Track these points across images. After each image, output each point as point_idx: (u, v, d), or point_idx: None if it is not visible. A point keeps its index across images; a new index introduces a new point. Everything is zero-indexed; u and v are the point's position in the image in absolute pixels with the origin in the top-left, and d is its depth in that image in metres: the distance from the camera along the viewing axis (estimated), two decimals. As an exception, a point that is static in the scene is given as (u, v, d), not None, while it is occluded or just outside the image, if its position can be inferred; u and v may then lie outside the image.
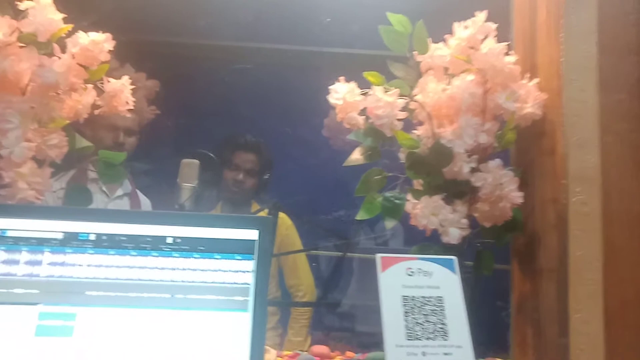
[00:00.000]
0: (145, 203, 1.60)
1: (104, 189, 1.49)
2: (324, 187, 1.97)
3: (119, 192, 1.54)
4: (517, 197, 1.05)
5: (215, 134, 1.93)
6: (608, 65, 1.06)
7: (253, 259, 0.82)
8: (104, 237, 0.80)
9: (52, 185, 1.02)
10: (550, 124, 1.10)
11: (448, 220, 1.02)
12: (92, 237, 0.79)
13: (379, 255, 0.83)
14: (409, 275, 0.83)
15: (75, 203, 1.02)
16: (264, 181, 1.91)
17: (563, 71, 1.05)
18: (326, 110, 1.48)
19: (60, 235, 0.79)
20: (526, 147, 1.16)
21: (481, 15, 1.09)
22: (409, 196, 1.10)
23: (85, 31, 1.02)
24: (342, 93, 1.04)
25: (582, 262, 1.01)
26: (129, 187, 1.59)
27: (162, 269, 0.79)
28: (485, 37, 1.08)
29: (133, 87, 1.11)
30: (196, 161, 1.33)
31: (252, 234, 0.83)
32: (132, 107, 1.10)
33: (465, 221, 1.03)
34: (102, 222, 0.80)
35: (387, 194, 1.09)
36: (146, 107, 1.24)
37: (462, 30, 1.10)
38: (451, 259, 0.86)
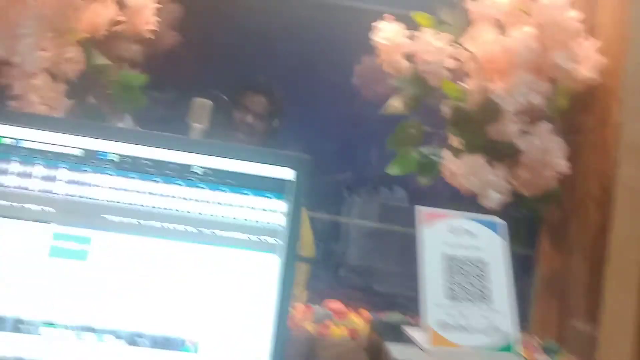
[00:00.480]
0: None
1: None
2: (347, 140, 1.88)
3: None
4: (564, 165, 0.98)
5: (234, 74, 1.82)
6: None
7: (286, 200, 0.75)
8: (126, 159, 0.72)
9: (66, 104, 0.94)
10: (605, 91, 1.02)
11: (489, 182, 0.95)
12: (114, 157, 0.71)
13: (419, 208, 0.76)
14: (452, 233, 0.76)
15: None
16: (272, 127, 1.82)
17: (630, 34, 0.97)
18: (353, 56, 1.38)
19: (78, 152, 0.71)
20: (576, 115, 1.08)
21: (548, -37, 0.99)
22: (446, 154, 1.03)
23: None
24: (388, 32, 0.95)
25: (624, 241, 0.95)
26: (131, 123, 1.50)
27: (187, 199, 0.72)
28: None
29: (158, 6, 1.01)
30: (209, 101, 1.25)
31: (288, 173, 0.76)
32: (154, 28, 1.01)
33: (505, 184, 0.96)
34: (124, 142, 0.72)
35: (423, 149, 1.02)
36: (167, 31, 1.14)
37: (525, -21, 1.01)
38: (498, 222, 0.79)
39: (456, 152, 1.00)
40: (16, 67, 0.88)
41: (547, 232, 1.15)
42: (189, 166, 0.74)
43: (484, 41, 0.97)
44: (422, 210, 0.76)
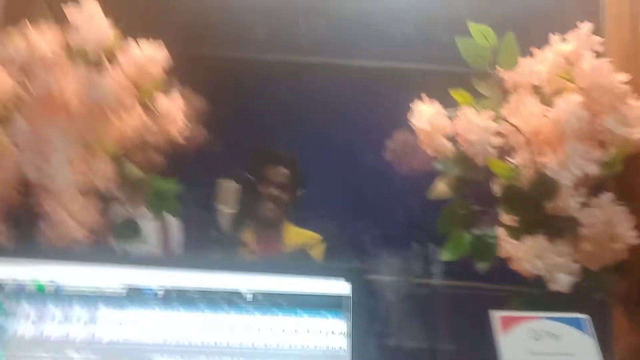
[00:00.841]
0: (174, 225, 1.47)
1: (129, 208, 1.35)
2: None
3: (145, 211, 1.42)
4: (632, 236, 0.90)
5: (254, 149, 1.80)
6: None
7: (345, 318, 0.68)
8: (172, 292, 0.66)
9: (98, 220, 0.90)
10: (663, 151, 0.96)
11: (556, 264, 0.87)
12: (159, 292, 0.66)
13: (497, 314, 0.69)
14: (535, 339, 0.68)
15: (125, 239, 0.89)
16: (297, 198, 1.77)
17: (682, 91, 0.91)
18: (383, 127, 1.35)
19: (120, 289, 0.65)
20: (630, 177, 1.01)
21: (586, 27, 0.95)
22: (502, 233, 0.95)
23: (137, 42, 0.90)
24: (427, 115, 0.90)
25: None
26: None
27: (238, 329, 0.66)
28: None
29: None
30: (234, 183, 1.21)
31: (343, 287, 0.69)
32: (186, 132, 0.98)
33: (575, 265, 0.88)
34: (166, 269, 0.67)
35: (477, 232, 0.95)
36: (196, 129, 1.12)
37: (562, 44, 0.97)
38: (582, 318, 0.71)
39: (512, 232, 0.93)
40: (44, 189, 0.84)
41: (621, 304, 1.05)
42: (236, 291, 0.68)
43: (529, 114, 0.92)
44: (498, 316, 0.69)
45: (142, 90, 0.91)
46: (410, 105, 0.95)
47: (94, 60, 0.85)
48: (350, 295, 0.69)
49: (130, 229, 0.89)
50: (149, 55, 0.87)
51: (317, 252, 1.37)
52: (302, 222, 1.75)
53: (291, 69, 1.65)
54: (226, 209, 1.22)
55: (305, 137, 1.91)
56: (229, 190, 1.22)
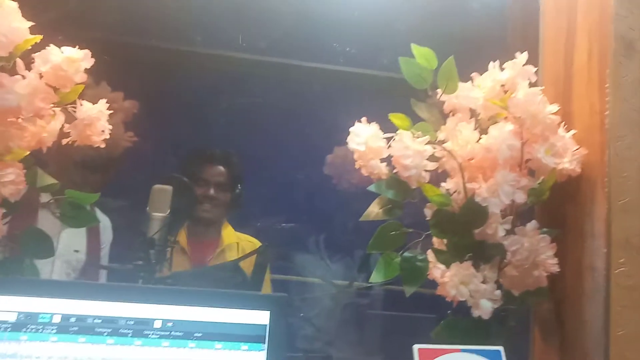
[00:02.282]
0: (105, 223, 1.40)
1: (57, 211, 1.27)
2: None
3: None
4: (554, 265, 0.93)
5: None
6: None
7: (263, 349, 0.65)
8: (72, 319, 0.61)
9: (4, 231, 0.83)
10: (588, 181, 0.99)
11: (480, 291, 0.88)
12: (56, 318, 0.61)
13: (416, 347, 0.68)
14: (453, 373, 0.68)
15: (33, 253, 0.83)
16: (235, 196, 1.73)
17: (608, 125, 0.95)
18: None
19: (12, 316, 0.60)
20: (557, 204, 1.04)
21: (522, 57, 0.97)
22: (431, 256, 0.96)
23: (58, 44, 0.84)
24: (364, 137, 0.89)
25: (624, 342, 0.89)
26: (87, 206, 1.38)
27: (147, 362, 0.62)
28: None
29: (110, 111, 0.93)
30: (169, 187, 1.16)
31: (262, 317, 0.67)
32: (107, 137, 0.92)
33: (498, 292, 0.90)
34: (68, 298, 0.62)
35: (407, 254, 0.95)
36: (123, 133, 1.06)
37: (499, 72, 0.98)
38: (498, 350, 0.72)
39: (441, 256, 0.93)
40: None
41: (539, 326, 1.08)
42: (148, 320, 0.64)
43: (463, 139, 0.93)
44: (420, 350, 0.68)
45: (62, 94, 0.84)
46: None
47: (6, 61, 0.78)
48: (268, 323, 0.66)
49: (39, 241, 0.82)
50: (70, 58, 0.81)
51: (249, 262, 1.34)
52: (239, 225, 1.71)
53: (226, 63, 1.62)
54: (158, 214, 1.17)
55: (245, 136, 1.87)
56: (161, 194, 1.15)
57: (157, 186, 1.10)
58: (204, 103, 1.91)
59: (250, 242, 1.69)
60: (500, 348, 0.72)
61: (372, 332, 1.60)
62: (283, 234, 1.89)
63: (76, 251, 1.24)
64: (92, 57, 0.85)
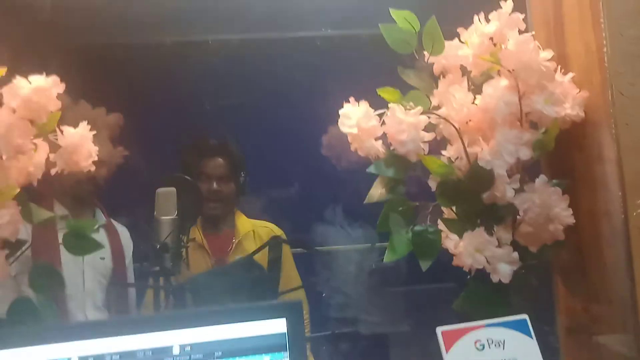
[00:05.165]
0: (124, 233, 1.41)
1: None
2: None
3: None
4: (569, 217, 0.91)
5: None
6: (656, 52, 0.91)
7: (285, 357, 0.64)
8: None
9: (11, 271, 0.82)
10: (593, 125, 0.95)
11: (497, 256, 0.86)
12: (75, 362, 0.60)
13: (439, 329, 0.67)
14: (479, 350, 0.67)
15: (44, 289, 0.82)
16: (241, 184, 1.71)
17: (607, 63, 0.90)
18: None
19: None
20: (564, 153, 1.01)
21: (507, 5, 0.91)
22: (442, 226, 0.94)
23: (24, 74, 0.80)
24: (355, 118, 0.86)
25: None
26: (103, 217, 1.40)
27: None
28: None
29: (94, 132, 0.90)
30: (172, 189, 1.14)
31: (279, 325, 0.66)
32: (96, 159, 0.90)
33: (515, 255, 0.88)
34: (82, 339, 0.61)
35: (417, 228, 0.93)
36: (112, 150, 1.03)
37: (485, 25, 0.93)
38: (523, 319, 0.71)
39: (453, 225, 0.91)
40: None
41: (562, 277, 1.07)
42: (166, 349, 0.63)
43: (458, 103, 0.89)
44: (443, 332, 0.67)
45: (39, 125, 0.82)
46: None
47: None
48: (286, 331, 0.65)
49: (48, 277, 0.82)
50: (39, 88, 0.77)
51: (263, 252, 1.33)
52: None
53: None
54: (166, 217, 1.15)
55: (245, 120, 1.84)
56: (166, 197, 1.14)
57: (160, 189, 1.08)
58: (191, 93, 1.87)
59: (265, 227, 1.67)
60: (525, 316, 0.71)
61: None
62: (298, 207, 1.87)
63: (102, 258, 1.30)
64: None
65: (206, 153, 1.64)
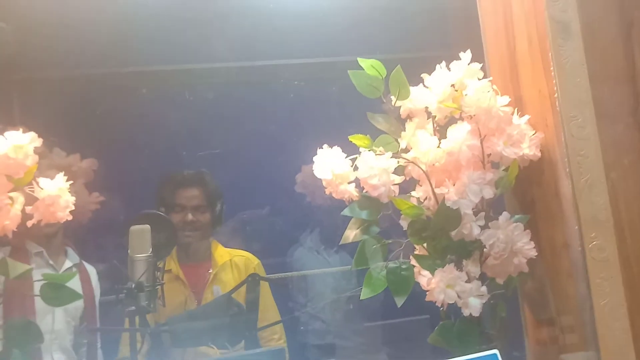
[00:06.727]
0: (93, 273, 1.40)
1: (50, 262, 1.29)
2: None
3: (67, 263, 1.34)
4: (531, 250, 0.96)
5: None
6: (601, 97, 1.00)
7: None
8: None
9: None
10: (549, 163, 1.02)
11: (466, 291, 0.91)
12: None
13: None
14: (455, 386, 0.71)
15: (21, 344, 0.81)
16: (217, 214, 1.71)
17: (559, 107, 0.98)
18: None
19: None
20: (525, 189, 1.08)
21: (466, 56, 0.98)
22: (414, 262, 0.98)
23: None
24: (329, 165, 0.90)
25: (608, 311, 0.94)
26: (76, 257, 1.38)
27: None
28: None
29: (71, 182, 0.91)
30: (146, 226, 1.13)
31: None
32: (73, 209, 0.90)
33: (484, 289, 0.93)
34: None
35: (391, 266, 0.97)
36: (87, 197, 1.03)
37: (447, 72, 1.00)
38: (494, 354, 0.75)
39: (424, 261, 0.96)
40: None
41: (527, 305, 1.13)
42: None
43: (424, 147, 0.94)
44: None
45: (16, 180, 0.82)
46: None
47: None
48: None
49: (24, 330, 0.81)
50: (16, 146, 0.78)
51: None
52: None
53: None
54: (141, 255, 1.14)
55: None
56: (140, 235, 1.13)
57: (134, 227, 1.07)
58: (163, 128, 1.88)
59: (242, 257, 1.67)
60: (496, 351, 0.75)
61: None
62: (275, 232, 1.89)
63: None
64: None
65: (181, 184, 1.64)
